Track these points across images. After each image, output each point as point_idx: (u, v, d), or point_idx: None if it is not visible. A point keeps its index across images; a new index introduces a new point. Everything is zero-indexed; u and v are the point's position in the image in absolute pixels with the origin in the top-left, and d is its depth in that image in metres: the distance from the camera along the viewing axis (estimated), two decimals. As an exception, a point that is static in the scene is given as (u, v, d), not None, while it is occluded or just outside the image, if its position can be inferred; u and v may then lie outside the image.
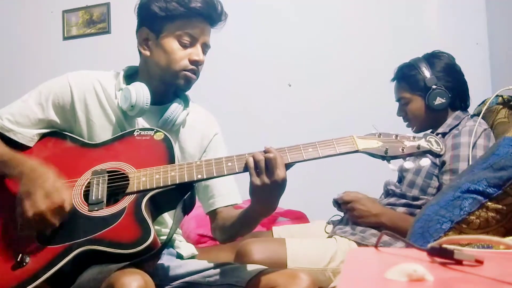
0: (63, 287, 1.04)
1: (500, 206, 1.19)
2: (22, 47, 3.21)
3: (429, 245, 0.72)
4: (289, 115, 2.69)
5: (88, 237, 1.06)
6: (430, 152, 1.14)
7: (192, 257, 1.40)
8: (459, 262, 0.68)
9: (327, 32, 2.71)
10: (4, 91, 2.84)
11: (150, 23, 1.32)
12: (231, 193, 1.36)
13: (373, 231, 1.68)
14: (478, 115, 1.72)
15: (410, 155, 1.14)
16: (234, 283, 1.20)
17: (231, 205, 1.35)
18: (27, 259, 1.06)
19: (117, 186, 1.16)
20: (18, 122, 1.27)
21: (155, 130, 1.27)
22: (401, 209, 1.70)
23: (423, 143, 1.14)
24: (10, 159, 1.17)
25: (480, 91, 2.08)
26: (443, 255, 0.69)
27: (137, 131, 1.27)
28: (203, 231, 2.16)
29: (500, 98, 1.74)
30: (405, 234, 1.32)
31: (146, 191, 1.14)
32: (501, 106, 1.73)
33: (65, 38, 3.15)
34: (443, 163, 1.65)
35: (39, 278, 1.02)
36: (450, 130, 1.72)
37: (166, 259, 1.31)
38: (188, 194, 1.16)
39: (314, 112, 2.65)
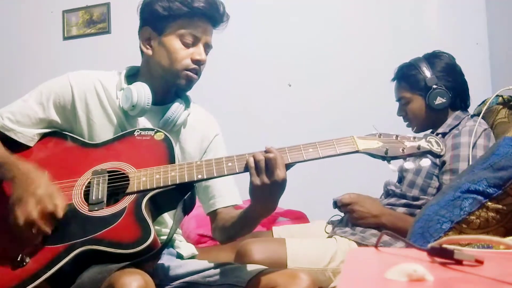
0: (63, 287, 1.04)
1: (500, 206, 1.19)
2: (22, 47, 3.21)
3: (429, 245, 0.72)
4: (289, 115, 2.69)
5: (88, 237, 1.06)
6: (430, 152, 1.14)
7: (192, 257, 1.40)
8: (459, 262, 0.68)
9: (327, 32, 2.71)
10: (4, 91, 2.84)
11: (153, 23, 1.32)
12: (231, 194, 1.36)
13: (373, 231, 1.68)
14: (478, 115, 1.72)
15: (410, 155, 1.14)
16: (234, 283, 1.20)
17: (231, 205, 1.35)
18: (27, 259, 1.06)
19: (117, 186, 1.16)
20: (19, 122, 1.27)
21: (155, 130, 1.27)
22: (401, 209, 1.71)
23: (423, 144, 1.14)
24: (5, 162, 1.16)
25: (480, 91, 2.08)
26: (443, 255, 0.69)
27: (138, 131, 1.27)
28: (203, 231, 2.16)
29: (500, 98, 1.75)
30: (405, 235, 1.32)
31: (146, 191, 1.14)
32: (501, 106, 1.73)
33: (65, 38, 3.15)
34: (443, 163, 1.65)
35: (39, 278, 1.02)
36: (450, 130, 1.72)
37: (166, 259, 1.31)
38: (188, 194, 1.16)
39: (314, 112, 2.65)
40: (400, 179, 1.81)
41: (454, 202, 1.23)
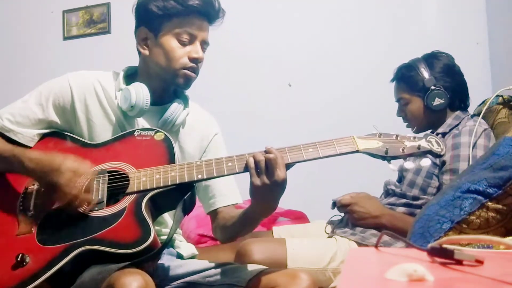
0: (63, 287, 1.04)
1: (500, 206, 1.19)
2: (22, 47, 3.21)
3: (429, 245, 0.72)
4: (289, 115, 2.69)
5: (88, 237, 1.06)
6: (430, 152, 1.14)
7: (192, 257, 1.40)
8: (459, 262, 0.68)
9: (327, 32, 2.71)
10: (4, 91, 2.84)
11: (149, 22, 1.32)
12: (231, 193, 1.36)
13: (373, 231, 1.68)
14: (478, 115, 1.72)
15: (410, 155, 1.14)
16: (234, 283, 1.20)
17: (232, 204, 1.35)
18: (27, 259, 1.06)
19: (118, 186, 1.17)
20: (18, 122, 1.27)
21: (155, 130, 1.27)
22: (401, 209, 1.71)
23: (424, 143, 1.14)
24: (13, 155, 1.18)
25: (480, 91, 2.08)
26: (443, 255, 0.69)
27: (138, 131, 1.27)
28: (203, 231, 2.16)
29: (500, 98, 1.74)
30: (406, 235, 1.32)
31: (146, 191, 1.14)
32: (501, 106, 1.73)
33: (65, 38, 3.15)
34: (443, 163, 1.65)
35: (39, 277, 1.02)
36: (450, 130, 1.72)
37: (166, 259, 1.31)
38: (189, 194, 1.16)
39: (314, 112, 2.65)
40: (400, 179, 1.81)
41: (454, 202, 1.23)
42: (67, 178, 1.11)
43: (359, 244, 1.65)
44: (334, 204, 1.80)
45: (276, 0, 2.80)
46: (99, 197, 1.14)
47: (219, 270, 1.25)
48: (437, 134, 1.72)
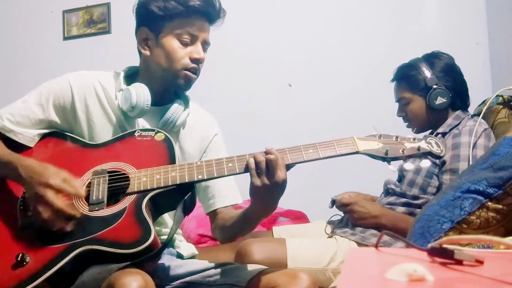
0: (63, 287, 1.04)
1: (500, 206, 1.19)
2: (22, 47, 3.21)
3: (430, 245, 0.72)
4: (289, 115, 2.69)
5: (88, 237, 1.06)
6: (430, 154, 1.14)
7: (193, 257, 1.40)
8: (459, 262, 0.68)
9: (327, 32, 2.71)
10: (4, 91, 2.84)
11: (149, 23, 1.32)
12: (231, 193, 1.36)
13: (373, 231, 1.68)
14: (478, 115, 1.72)
15: (410, 156, 1.14)
16: (234, 283, 1.20)
17: (231, 205, 1.35)
18: (28, 259, 1.06)
19: (118, 186, 1.17)
20: (19, 123, 1.27)
21: (156, 130, 1.27)
22: (401, 208, 1.71)
23: (423, 145, 1.14)
24: (9, 161, 1.16)
25: (480, 91, 2.08)
26: (444, 255, 0.69)
27: (138, 132, 1.27)
28: (203, 231, 2.16)
29: (501, 98, 1.75)
30: (406, 235, 1.32)
31: (146, 191, 1.14)
32: (501, 106, 1.73)
33: (65, 38, 3.15)
34: (443, 162, 1.65)
35: (39, 277, 1.02)
36: (450, 130, 1.72)
37: (166, 259, 1.31)
38: (189, 194, 1.16)
39: (314, 112, 2.65)
40: (400, 178, 1.81)
41: (454, 202, 1.23)
42: (51, 195, 1.08)
43: (359, 244, 1.65)
44: (333, 203, 1.80)
45: (276, 0, 2.80)
46: (100, 197, 1.14)
47: (219, 270, 1.25)
48: (437, 134, 1.72)
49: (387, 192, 1.82)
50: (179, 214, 1.15)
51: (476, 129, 1.62)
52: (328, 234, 1.81)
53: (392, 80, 1.87)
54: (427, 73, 1.75)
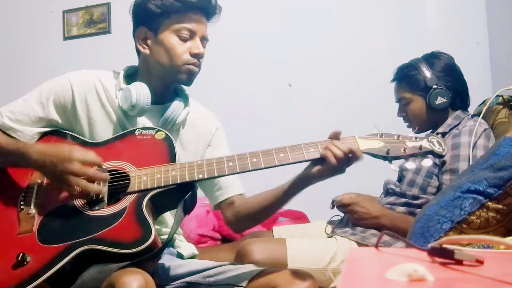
0: (64, 287, 1.04)
1: (500, 206, 1.19)
2: (22, 47, 3.20)
3: (430, 245, 0.72)
4: (289, 115, 2.69)
5: (88, 237, 1.06)
6: (432, 152, 1.14)
7: (193, 256, 1.40)
8: (459, 262, 0.68)
9: (327, 32, 2.70)
10: (4, 91, 2.83)
11: (147, 22, 1.32)
12: (239, 183, 1.37)
13: (374, 231, 1.68)
14: (478, 115, 1.72)
15: (412, 155, 1.14)
16: (234, 283, 1.20)
17: (243, 194, 1.36)
18: (28, 258, 1.06)
19: (118, 185, 1.17)
20: (19, 120, 1.27)
21: (156, 129, 1.27)
22: (401, 208, 1.71)
23: (425, 144, 1.14)
24: (17, 148, 1.18)
25: (480, 91, 2.08)
26: (444, 255, 0.69)
27: (138, 130, 1.27)
28: (203, 231, 2.16)
29: (501, 98, 1.75)
30: (406, 235, 1.32)
31: (147, 190, 1.14)
32: (501, 106, 1.73)
33: (65, 38, 3.15)
34: (443, 162, 1.65)
35: (39, 277, 1.02)
36: (450, 130, 1.72)
37: (166, 259, 1.31)
38: (189, 194, 1.16)
39: (314, 112, 2.65)
40: (400, 178, 1.81)
41: (454, 202, 1.23)
42: (77, 167, 1.11)
43: (359, 244, 1.65)
44: (334, 204, 1.80)
45: (276, 0, 2.80)
46: (100, 196, 1.14)
47: (219, 270, 1.25)
48: (437, 134, 1.72)
49: (387, 192, 1.82)
50: (179, 213, 1.15)
51: (476, 129, 1.62)
52: (328, 234, 1.81)
53: (392, 80, 1.87)
54: (427, 73, 1.75)
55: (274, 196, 1.24)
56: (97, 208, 1.13)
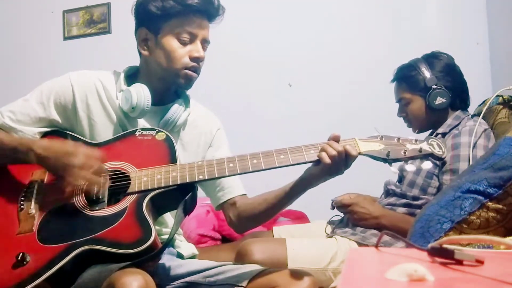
0: (64, 287, 1.04)
1: (500, 206, 1.19)
2: (22, 47, 3.20)
3: (430, 245, 0.72)
4: (289, 115, 2.69)
5: (89, 237, 1.06)
6: (432, 155, 1.14)
7: (193, 257, 1.40)
8: (459, 262, 0.68)
9: (327, 32, 2.70)
10: (4, 91, 2.83)
11: (148, 23, 1.32)
12: (240, 184, 1.37)
13: (374, 231, 1.68)
14: (478, 115, 1.72)
15: (412, 158, 1.14)
16: (234, 283, 1.20)
17: (245, 194, 1.36)
18: (28, 258, 1.06)
19: (119, 186, 1.17)
20: (19, 120, 1.27)
21: (157, 130, 1.27)
22: (401, 209, 1.71)
23: (425, 146, 1.14)
24: (20, 143, 1.18)
25: (480, 91, 2.08)
26: (444, 255, 0.69)
27: (139, 131, 1.27)
28: (203, 231, 2.16)
29: (501, 98, 1.75)
30: (406, 235, 1.32)
31: (147, 191, 1.14)
32: (501, 106, 1.73)
33: (65, 38, 3.15)
34: (444, 163, 1.65)
35: (39, 277, 1.02)
36: (450, 130, 1.72)
37: (166, 259, 1.31)
38: (190, 194, 1.16)
39: (314, 112, 2.65)
40: (400, 179, 1.81)
41: (454, 202, 1.23)
42: (83, 161, 1.12)
43: (360, 244, 1.65)
44: (334, 205, 1.80)
45: (276, 0, 2.80)
46: (100, 196, 1.14)
47: (219, 270, 1.25)
48: (437, 134, 1.72)
49: (388, 193, 1.82)
50: (179, 214, 1.15)
51: (476, 129, 1.62)
52: (328, 234, 1.81)
53: (392, 81, 1.87)
54: (427, 73, 1.75)
55: (276, 197, 1.24)
56: (97, 208, 1.13)
